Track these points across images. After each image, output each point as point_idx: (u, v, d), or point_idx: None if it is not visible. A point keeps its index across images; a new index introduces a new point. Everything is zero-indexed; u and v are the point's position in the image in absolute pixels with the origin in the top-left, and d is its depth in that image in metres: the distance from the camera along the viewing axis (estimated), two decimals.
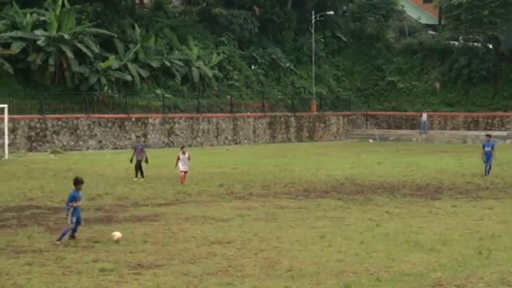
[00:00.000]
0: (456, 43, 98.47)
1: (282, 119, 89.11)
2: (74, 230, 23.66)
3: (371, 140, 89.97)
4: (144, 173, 46.94)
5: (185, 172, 43.00)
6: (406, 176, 49.93)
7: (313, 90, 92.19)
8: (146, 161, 47.01)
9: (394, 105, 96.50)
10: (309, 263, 23.33)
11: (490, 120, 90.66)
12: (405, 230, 29.54)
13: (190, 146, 79.05)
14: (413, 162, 61.31)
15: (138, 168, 46.73)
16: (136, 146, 48.30)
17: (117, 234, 23.62)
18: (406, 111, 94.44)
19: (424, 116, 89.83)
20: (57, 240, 23.62)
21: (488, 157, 49.25)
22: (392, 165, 58.88)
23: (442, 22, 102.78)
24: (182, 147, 44.17)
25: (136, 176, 46.52)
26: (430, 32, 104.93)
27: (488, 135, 53.00)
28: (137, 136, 55.62)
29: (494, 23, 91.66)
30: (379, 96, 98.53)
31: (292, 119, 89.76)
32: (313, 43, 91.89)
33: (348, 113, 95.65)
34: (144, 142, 55.00)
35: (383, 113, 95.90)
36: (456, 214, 34.08)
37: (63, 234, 23.09)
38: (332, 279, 21.23)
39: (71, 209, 23.18)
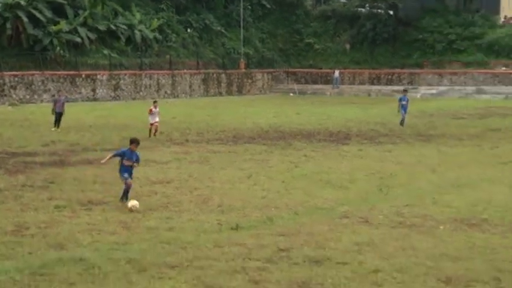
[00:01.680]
0: (363, 10, 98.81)
1: (214, 75, 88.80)
2: (126, 192, 21.77)
3: (291, 94, 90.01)
4: (61, 124, 46.12)
5: (156, 124, 41.89)
6: (321, 125, 50.14)
7: (242, 51, 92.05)
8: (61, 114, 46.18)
9: (311, 64, 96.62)
10: (237, 199, 23.45)
11: (389, 77, 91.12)
12: (319, 170, 29.78)
13: (134, 99, 79.30)
14: (326, 112, 61.42)
15: (58, 119, 45.86)
16: (58, 99, 47.40)
17: (133, 204, 21.23)
18: (321, 68, 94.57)
19: (336, 73, 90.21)
20: (121, 199, 21.85)
21: (404, 109, 49.23)
22: (309, 115, 58.98)
23: None
24: (154, 102, 43.39)
25: (55, 126, 45.61)
26: (342, 0, 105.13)
27: (405, 90, 53.20)
28: (58, 91, 54.81)
29: None
30: (298, 55, 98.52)
31: (223, 75, 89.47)
32: (242, 10, 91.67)
33: (271, 70, 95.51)
34: (65, 97, 54.07)
35: (302, 70, 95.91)
36: (361, 157, 34.44)
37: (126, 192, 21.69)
38: (257, 212, 21.38)
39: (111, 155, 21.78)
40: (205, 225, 19.64)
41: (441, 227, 19.81)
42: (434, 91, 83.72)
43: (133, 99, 79.54)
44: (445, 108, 62.30)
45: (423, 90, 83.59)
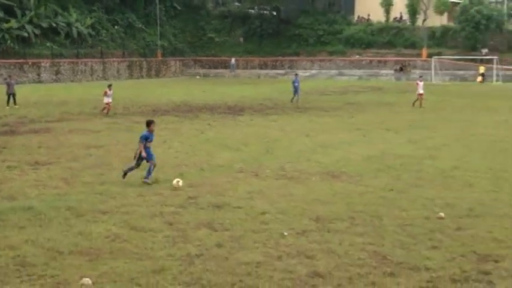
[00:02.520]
0: (253, 11, 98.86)
1: (137, 63, 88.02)
2: (149, 172, 19.61)
3: (198, 77, 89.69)
4: (17, 101, 45.18)
5: (110, 103, 40.44)
6: (221, 100, 50.06)
7: (158, 43, 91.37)
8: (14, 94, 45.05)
9: (213, 53, 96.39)
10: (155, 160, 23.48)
11: (274, 63, 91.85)
12: (220, 136, 29.81)
13: (72, 81, 78.16)
14: (225, 91, 61.35)
15: (12, 98, 44.78)
16: (10, 82, 45.89)
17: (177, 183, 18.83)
18: (221, 57, 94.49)
19: (233, 60, 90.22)
20: (145, 179, 19.34)
21: (296, 89, 48.57)
22: (212, 93, 58.77)
23: None
24: (109, 85, 41.64)
25: (8, 105, 44.39)
26: (236, 3, 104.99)
27: (296, 74, 53.10)
28: (9, 76, 53.41)
29: None
30: (202, 47, 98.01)
31: (144, 62, 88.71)
32: (158, 11, 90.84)
33: (182, 58, 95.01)
34: (15, 80, 52.88)
35: (206, 58, 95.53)
36: (253, 125, 34.49)
37: (149, 172, 19.60)
38: (171, 170, 21.33)
39: (142, 145, 19.49)
40: (131, 179, 19.58)
41: (313, 179, 20.11)
42: (307, 74, 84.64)
43: (72, 81, 78.25)
44: (315, 87, 62.85)
45: (300, 73, 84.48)
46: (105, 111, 40.03)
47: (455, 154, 24.65)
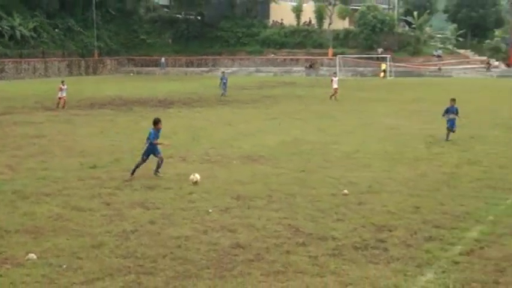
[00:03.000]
0: (180, 16, 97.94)
1: (76, 62, 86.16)
2: (158, 166, 18.08)
3: (131, 74, 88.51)
4: None
5: (64, 98, 38.73)
6: (152, 95, 49.52)
7: (95, 44, 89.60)
8: None
9: (145, 53, 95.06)
10: (93, 147, 23.15)
11: (199, 62, 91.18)
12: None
13: (15, 79, 75.71)
14: (156, 86, 60.63)
15: None
16: None
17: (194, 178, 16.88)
18: (152, 56, 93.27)
19: (163, 59, 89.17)
20: (156, 172, 18.03)
21: (224, 85, 48.17)
22: (144, 88, 58.19)
23: (172, 3, 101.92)
24: (62, 81, 40.11)
25: None
26: (165, 9, 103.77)
27: (223, 72, 52.62)
28: None
29: (200, 4, 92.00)
30: (135, 47, 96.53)
31: (83, 62, 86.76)
32: (94, 15, 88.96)
33: (117, 57, 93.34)
34: None
35: (138, 57, 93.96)
36: (181, 116, 34.30)
37: (159, 166, 18.02)
38: (108, 156, 21.18)
39: (157, 142, 18.51)
40: (71, 165, 19.35)
41: (234, 162, 20.15)
42: (229, 71, 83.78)
43: (15, 79, 75.82)
44: (236, 83, 62.49)
45: (222, 70, 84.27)
46: (60, 105, 38.70)
47: (356, 140, 25.04)
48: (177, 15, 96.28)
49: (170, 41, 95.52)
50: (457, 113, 24.64)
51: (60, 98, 38.95)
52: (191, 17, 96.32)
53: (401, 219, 13.38)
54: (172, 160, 20.59)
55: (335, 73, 40.57)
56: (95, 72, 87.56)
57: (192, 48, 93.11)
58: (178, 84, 64.16)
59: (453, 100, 25.00)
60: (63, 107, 38.41)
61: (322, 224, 13.13)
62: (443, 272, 10.33)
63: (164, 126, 29.34)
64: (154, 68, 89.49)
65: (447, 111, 24.76)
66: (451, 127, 24.56)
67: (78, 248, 11.47)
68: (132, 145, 23.60)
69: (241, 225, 13.02)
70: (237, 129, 28.52)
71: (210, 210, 14.17)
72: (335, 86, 44.32)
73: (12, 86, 61.61)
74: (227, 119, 32.65)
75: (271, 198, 15.37)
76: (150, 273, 10.30)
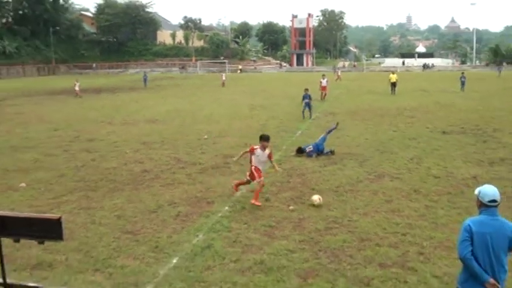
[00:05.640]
0: (104, 39, 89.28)
1: (42, 67, 76.50)
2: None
3: (76, 82, 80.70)
4: None
5: (77, 91, 32.91)
6: (89, 86, 45.92)
7: (53, 56, 79.96)
8: None
9: (84, 61, 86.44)
10: (55, 118, 21.32)
11: (116, 66, 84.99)
12: (91, 104, 27.56)
13: (5, 78, 67.24)
14: (92, 81, 56.14)
15: None
16: None
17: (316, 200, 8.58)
18: (87, 63, 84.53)
19: (94, 65, 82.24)
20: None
21: (145, 80, 42.63)
22: (84, 82, 53.65)
23: (98, 30, 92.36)
24: (76, 80, 34.86)
25: None
26: (94, 35, 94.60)
27: (145, 72, 48.91)
28: None
29: (116, 31, 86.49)
30: (78, 58, 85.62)
31: (45, 67, 77.30)
32: (52, 39, 79.76)
33: (67, 64, 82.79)
34: None
35: (80, 64, 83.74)
36: (108, 99, 32.03)
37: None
38: (64, 123, 19.66)
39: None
40: (42, 129, 17.91)
41: (140, 123, 19.30)
42: (135, 71, 79.89)
43: (5, 78, 66.03)
44: (139, 78, 60.10)
45: (130, 70, 79.73)
46: (78, 95, 32.70)
47: (212, 108, 24.73)
48: (102, 38, 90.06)
49: (99, 53, 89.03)
50: (310, 99, 19.85)
51: (75, 91, 33.30)
52: (110, 39, 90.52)
53: (237, 151, 13.21)
54: (102, 124, 19.40)
55: (324, 75, 28.75)
56: (53, 74, 79.72)
57: (112, 58, 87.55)
58: (104, 80, 60.29)
59: (306, 89, 20.21)
60: (77, 95, 32.70)
61: (193, 155, 12.93)
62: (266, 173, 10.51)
63: (96, 105, 27.87)
64: (89, 70, 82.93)
65: (304, 98, 20.01)
66: (307, 107, 19.79)
67: (50, 178, 10.70)
68: (77, 116, 21.95)
69: (146, 159, 12.55)
70: (141, 105, 27.19)
71: (127, 151, 13.54)
72: (324, 84, 28.40)
73: (3, 83, 55.24)
74: (135, 99, 31.03)
75: (163, 142, 14.91)
76: (93, 189, 9.77)
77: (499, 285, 3.75)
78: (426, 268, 5.87)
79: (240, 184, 9.14)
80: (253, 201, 8.40)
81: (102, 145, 14.62)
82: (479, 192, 3.82)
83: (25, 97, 34.07)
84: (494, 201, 3.75)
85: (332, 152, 12.57)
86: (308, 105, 19.75)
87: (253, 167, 8.56)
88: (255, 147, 8.69)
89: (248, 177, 8.83)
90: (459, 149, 12.88)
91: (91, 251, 6.57)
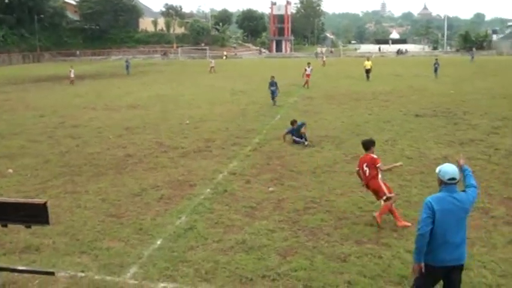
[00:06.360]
0: (86, 26, 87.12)
1: (27, 55, 72.84)
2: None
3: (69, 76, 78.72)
4: None
5: (72, 78, 31.25)
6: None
7: (38, 44, 77.05)
8: None
9: (67, 48, 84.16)
10: (41, 104, 20.76)
11: (99, 53, 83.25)
12: (78, 90, 26.93)
13: None
14: (76, 68, 55.13)
15: None
16: None
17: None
18: (71, 50, 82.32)
19: (78, 52, 79.88)
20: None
21: (127, 67, 41.10)
22: (67, 69, 52.71)
23: (81, 18, 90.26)
24: (71, 66, 33.40)
25: None
26: (78, 22, 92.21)
27: (127, 60, 44.86)
28: None
29: (98, 19, 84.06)
30: (62, 45, 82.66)
31: (30, 55, 74.12)
32: (36, 26, 77.29)
33: (51, 51, 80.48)
34: None
35: (64, 51, 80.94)
36: (91, 85, 31.39)
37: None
38: (49, 109, 19.12)
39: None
40: (28, 116, 17.46)
41: (123, 109, 18.98)
42: (118, 57, 78.26)
43: None
44: (121, 65, 59.00)
45: (113, 57, 78.07)
46: (71, 81, 31.24)
47: (192, 93, 24.35)
48: (85, 26, 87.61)
49: (82, 41, 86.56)
50: (276, 86, 19.05)
51: (70, 78, 31.87)
52: (93, 26, 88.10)
53: (218, 135, 13.35)
54: (85, 109, 19.01)
55: (309, 63, 26.78)
56: (38, 61, 77.22)
57: (94, 45, 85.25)
58: (88, 67, 58.84)
59: (273, 77, 19.48)
60: (72, 82, 31.32)
61: (175, 140, 12.80)
62: (241, 160, 10.53)
63: (80, 90, 27.27)
64: (73, 57, 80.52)
65: (271, 85, 19.17)
66: (273, 94, 19.04)
67: (35, 164, 10.48)
68: (62, 103, 21.43)
69: (129, 144, 12.37)
70: (124, 90, 26.65)
71: (111, 137, 13.33)
72: (308, 72, 26.52)
73: None
74: (117, 85, 30.39)
75: (145, 127, 14.71)
76: (78, 174, 9.61)
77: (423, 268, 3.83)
78: (399, 244, 5.97)
79: (385, 213, 6.56)
80: (399, 223, 6.47)
81: (86, 131, 14.34)
82: (440, 171, 3.92)
83: (11, 85, 32.94)
84: (453, 179, 3.86)
85: (306, 143, 11.57)
86: (273, 92, 18.88)
87: (382, 181, 6.64)
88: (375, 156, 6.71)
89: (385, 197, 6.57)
90: (431, 131, 13.05)
91: (77, 234, 6.49)
